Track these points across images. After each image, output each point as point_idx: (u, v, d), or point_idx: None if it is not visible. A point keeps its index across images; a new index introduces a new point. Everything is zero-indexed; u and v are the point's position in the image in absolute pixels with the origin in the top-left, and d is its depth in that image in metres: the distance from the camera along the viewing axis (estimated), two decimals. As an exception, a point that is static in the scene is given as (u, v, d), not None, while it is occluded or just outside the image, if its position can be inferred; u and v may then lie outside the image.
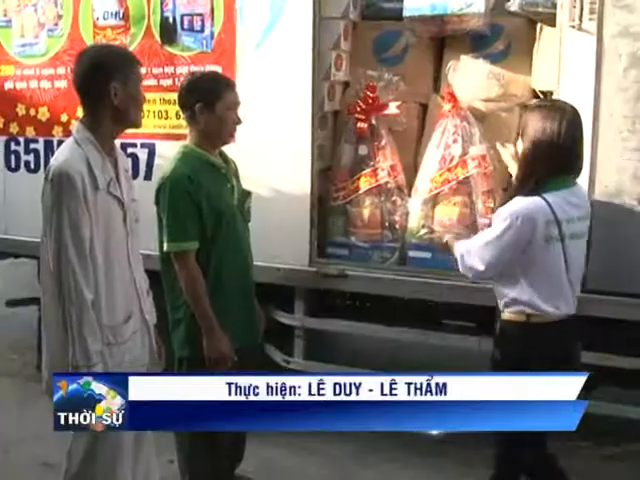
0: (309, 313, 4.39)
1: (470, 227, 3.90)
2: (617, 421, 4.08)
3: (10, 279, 7.21)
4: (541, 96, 3.96)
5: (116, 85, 2.71)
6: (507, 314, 3.16)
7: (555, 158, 3.00)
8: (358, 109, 4.12)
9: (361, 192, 4.15)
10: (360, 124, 4.13)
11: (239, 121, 3.43)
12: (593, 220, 3.57)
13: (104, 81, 2.70)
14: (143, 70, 4.44)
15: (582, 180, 3.58)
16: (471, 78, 4.07)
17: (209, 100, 3.33)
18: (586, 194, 3.30)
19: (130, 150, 4.54)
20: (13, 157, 5.10)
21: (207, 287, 3.35)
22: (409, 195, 4.15)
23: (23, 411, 5.05)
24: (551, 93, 3.80)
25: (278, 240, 3.74)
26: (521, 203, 3.00)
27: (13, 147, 5.10)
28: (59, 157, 2.72)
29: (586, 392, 4.12)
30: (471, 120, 3.98)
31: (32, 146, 5.03)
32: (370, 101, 4.07)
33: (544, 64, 3.90)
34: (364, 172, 4.15)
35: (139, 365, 2.93)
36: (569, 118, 3.01)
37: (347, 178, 4.20)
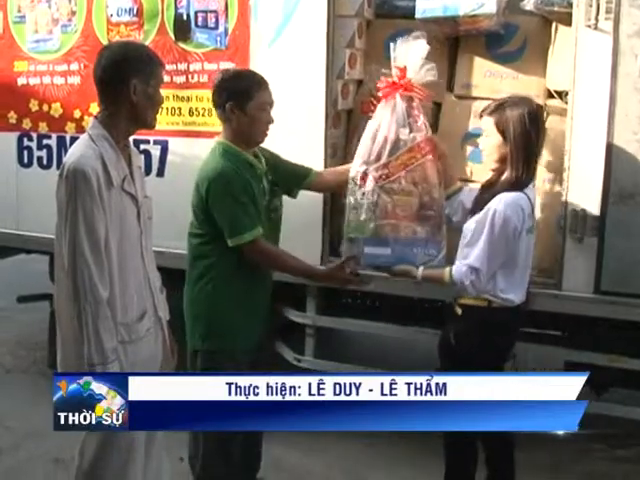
0: (320, 311, 4.38)
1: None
2: (629, 423, 4.05)
3: (21, 275, 7.24)
4: (556, 96, 3.94)
5: (136, 82, 2.70)
6: (466, 299, 3.33)
7: (536, 155, 3.29)
8: (372, 107, 4.09)
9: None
10: (374, 122, 4.10)
11: (272, 121, 3.44)
12: (608, 221, 3.58)
13: (125, 77, 2.70)
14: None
15: (597, 181, 3.58)
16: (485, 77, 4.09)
17: (240, 100, 3.33)
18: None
19: (143, 147, 4.54)
20: (26, 153, 5.11)
21: (239, 287, 3.40)
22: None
23: (33, 407, 5.06)
24: (566, 93, 3.77)
25: (290, 238, 3.72)
26: (509, 199, 3.18)
27: (26, 143, 5.11)
28: (74, 154, 2.70)
29: (598, 394, 4.17)
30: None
31: (45, 142, 5.03)
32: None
33: (559, 64, 3.87)
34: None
35: (153, 363, 2.93)
36: (540, 114, 3.33)
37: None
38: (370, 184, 3.42)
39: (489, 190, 3.35)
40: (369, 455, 4.48)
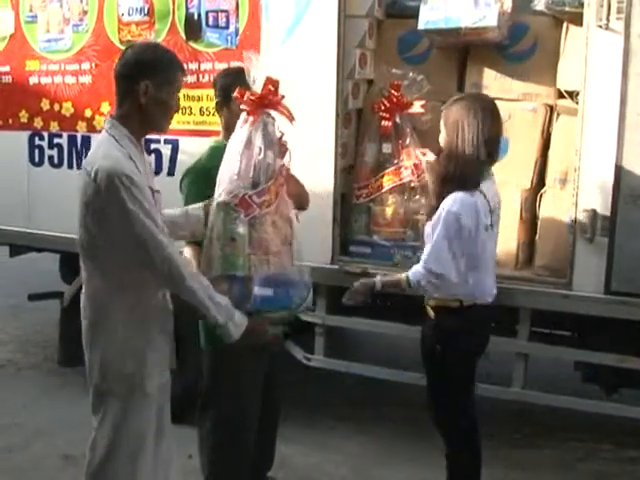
0: (330, 311, 4.38)
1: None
2: (638, 423, 4.05)
3: (32, 273, 7.27)
4: (566, 96, 3.93)
5: (148, 85, 2.68)
6: (440, 300, 3.34)
7: (483, 150, 3.21)
8: (383, 107, 4.10)
9: (384, 190, 4.13)
10: (384, 122, 4.11)
11: None
12: (618, 221, 3.57)
13: (137, 78, 2.69)
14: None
15: (607, 181, 3.58)
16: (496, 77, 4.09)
17: (225, 96, 3.32)
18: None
19: (154, 146, 4.56)
20: (37, 152, 5.14)
21: None
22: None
23: (43, 404, 5.10)
24: (577, 93, 3.77)
25: (301, 237, 3.72)
26: (462, 198, 3.17)
27: (37, 142, 5.14)
28: (106, 157, 2.65)
29: (607, 394, 4.17)
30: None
31: (56, 141, 5.06)
32: (395, 99, 4.06)
33: (570, 64, 3.86)
34: (388, 170, 4.13)
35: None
36: (489, 108, 3.27)
37: (370, 176, 4.18)
38: (253, 212, 2.87)
39: (443, 190, 3.35)
40: (377, 453, 4.49)
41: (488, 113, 3.27)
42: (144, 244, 2.64)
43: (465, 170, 3.22)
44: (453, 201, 3.19)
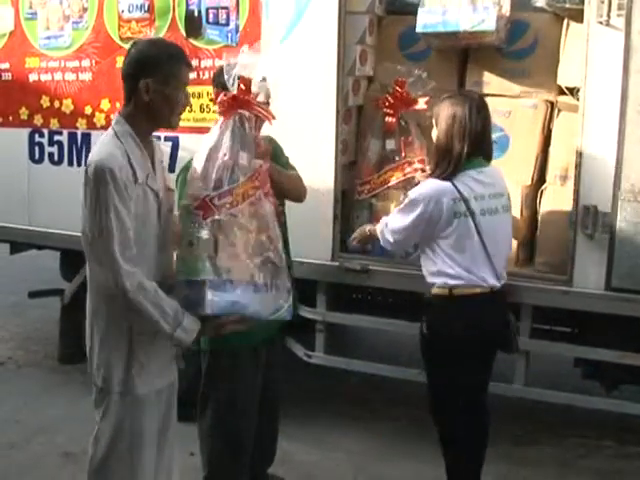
0: (331, 307, 4.38)
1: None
2: (638, 420, 4.05)
3: (32, 270, 7.27)
4: (567, 93, 3.93)
5: (151, 82, 2.67)
6: (435, 289, 3.40)
7: (463, 142, 3.29)
8: (387, 104, 4.10)
9: (387, 186, 4.13)
10: (388, 119, 4.12)
11: None
12: (619, 218, 3.57)
13: (140, 76, 2.68)
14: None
15: (608, 177, 3.58)
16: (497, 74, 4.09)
17: (219, 92, 3.31)
18: (500, 174, 3.49)
19: (154, 143, 4.55)
20: (37, 149, 5.14)
21: None
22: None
23: (44, 402, 5.10)
24: (577, 90, 3.77)
25: (301, 234, 3.73)
26: (430, 186, 3.35)
27: (37, 139, 5.14)
28: (100, 151, 2.68)
29: (608, 390, 4.17)
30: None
31: (56, 138, 5.06)
32: (399, 96, 4.06)
33: (571, 60, 3.86)
34: (391, 166, 4.12)
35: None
36: (476, 104, 3.35)
37: (373, 172, 4.18)
38: (212, 215, 2.73)
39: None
40: (378, 450, 4.49)
41: (474, 108, 3.34)
42: (99, 240, 2.61)
43: (444, 161, 3.34)
44: (422, 188, 3.39)
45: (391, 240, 3.51)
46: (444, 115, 3.35)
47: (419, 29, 4.02)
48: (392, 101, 4.08)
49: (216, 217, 2.72)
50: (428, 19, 3.98)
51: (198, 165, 2.79)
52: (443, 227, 3.30)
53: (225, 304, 2.72)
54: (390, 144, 4.13)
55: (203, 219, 2.73)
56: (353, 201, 4.28)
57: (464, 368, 3.36)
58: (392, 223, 3.49)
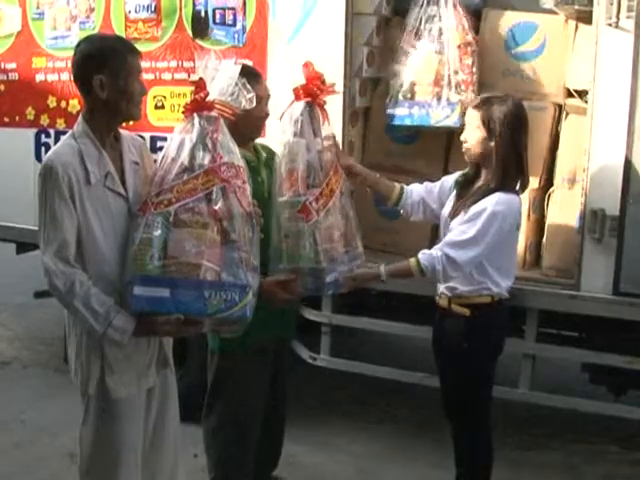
0: (336, 310, 4.36)
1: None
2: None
3: (39, 270, 7.26)
4: (575, 95, 3.91)
5: (102, 78, 2.66)
6: (466, 298, 3.31)
7: (522, 154, 3.26)
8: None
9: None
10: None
11: (267, 115, 3.38)
12: (627, 222, 3.55)
13: (90, 74, 2.67)
14: (173, 64, 4.54)
15: (616, 181, 3.55)
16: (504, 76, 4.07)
17: None
18: None
19: (160, 144, 4.53)
20: (44, 149, 5.13)
21: None
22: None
23: (49, 402, 5.10)
24: (586, 92, 3.74)
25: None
26: (505, 200, 3.19)
27: (44, 139, 5.14)
28: (52, 151, 2.75)
29: (615, 396, 4.14)
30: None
31: (62, 138, 5.04)
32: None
33: (579, 62, 3.84)
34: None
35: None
36: (525, 113, 3.31)
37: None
38: (149, 213, 2.69)
39: (471, 188, 3.34)
40: (383, 453, 4.48)
41: (523, 115, 3.29)
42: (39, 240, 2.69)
43: (506, 172, 3.23)
44: (499, 204, 3.17)
45: (452, 267, 3.18)
46: (504, 121, 3.19)
47: (390, 121, 4.10)
48: None
49: (152, 216, 2.69)
50: (397, 111, 4.06)
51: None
52: (505, 241, 3.26)
53: (158, 299, 2.65)
54: None
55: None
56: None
57: (493, 371, 3.44)
58: (461, 249, 3.17)
